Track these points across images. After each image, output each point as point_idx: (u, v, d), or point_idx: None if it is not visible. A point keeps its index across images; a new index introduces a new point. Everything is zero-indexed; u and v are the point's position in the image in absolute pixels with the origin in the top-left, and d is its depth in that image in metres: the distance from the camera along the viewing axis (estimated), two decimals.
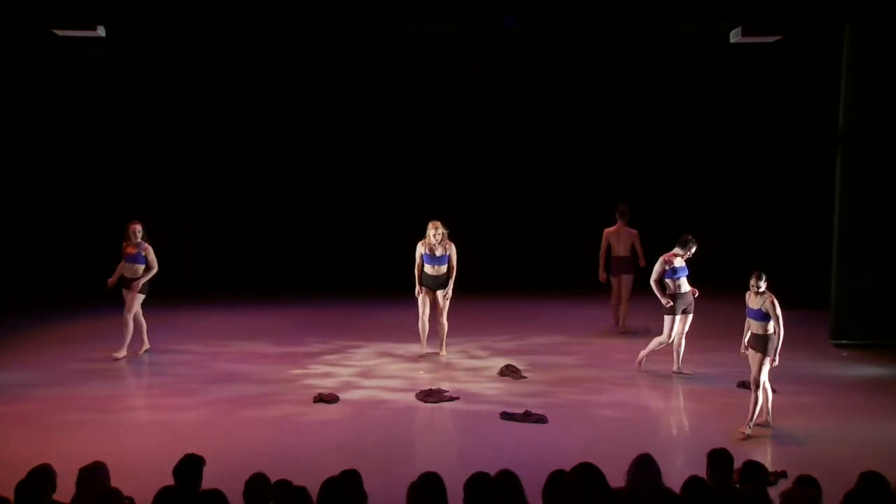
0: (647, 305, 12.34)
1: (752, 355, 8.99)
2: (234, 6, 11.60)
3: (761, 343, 8.92)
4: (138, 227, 11.63)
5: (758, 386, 8.94)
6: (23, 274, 14.80)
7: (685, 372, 10.98)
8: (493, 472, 5.50)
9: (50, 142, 15.40)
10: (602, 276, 13.17)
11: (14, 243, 14.91)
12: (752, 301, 8.99)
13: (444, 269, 11.70)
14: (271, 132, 15.92)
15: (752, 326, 9.03)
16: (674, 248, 10.91)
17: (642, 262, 12.83)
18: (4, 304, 13.47)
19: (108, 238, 15.44)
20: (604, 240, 13.14)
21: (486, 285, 15.62)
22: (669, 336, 10.88)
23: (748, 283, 9.05)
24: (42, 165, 15.37)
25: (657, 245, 12.58)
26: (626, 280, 13.07)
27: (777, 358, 8.94)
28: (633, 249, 13.04)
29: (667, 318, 10.86)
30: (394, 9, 11.71)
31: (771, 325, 8.87)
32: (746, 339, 9.12)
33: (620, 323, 13.24)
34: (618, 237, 13.07)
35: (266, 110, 15.85)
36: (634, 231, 13.05)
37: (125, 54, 14.91)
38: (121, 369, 11.38)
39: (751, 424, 8.90)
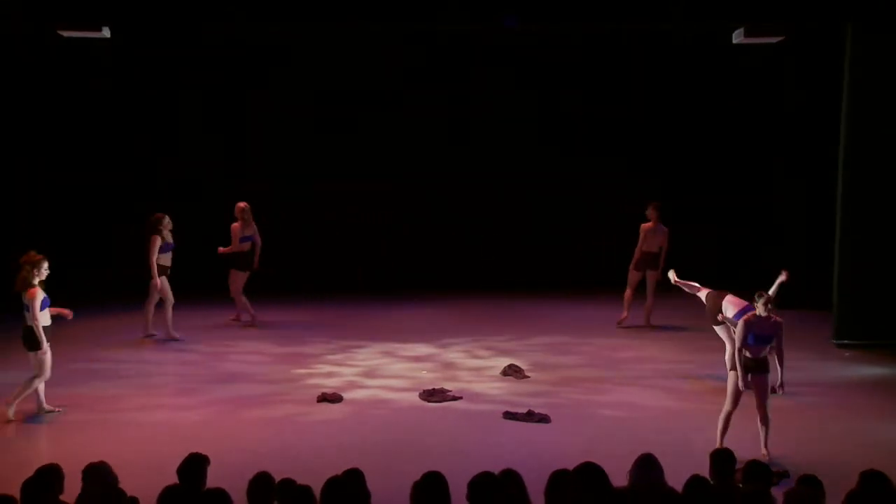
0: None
1: (763, 380, 8.39)
2: (234, 6, 11.60)
3: (767, 365, 8.46)
4: None
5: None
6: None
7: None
8: (495, 472, 5.50)
9: (51, 141, 15.43)
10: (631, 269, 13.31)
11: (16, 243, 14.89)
12: (763, 327, 8.27)
13: None
14: (272, 132, 15.91)
15: (759, 352, 8.34)
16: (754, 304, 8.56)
17: (662, 261, 12.92)
18: (5, 303, 13.42)
19: (109, 237, 15.49)
20: (641, 234, 13.22)
21: (487, 285, 15.65)
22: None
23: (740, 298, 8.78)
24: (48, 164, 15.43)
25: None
26: (652, 276, 13.17)
27: None
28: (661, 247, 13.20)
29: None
30: (394, 9, 11.71)
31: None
32: (745, 369, 8.33)
33: (625, 316, 13.33)
34: (654, 233, 13.16)
35: (266, 110, 15.85)
36: (666, 229, 13.17)
37: (129, 54, 14.92)
38: (122, 369, 11.37)
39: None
